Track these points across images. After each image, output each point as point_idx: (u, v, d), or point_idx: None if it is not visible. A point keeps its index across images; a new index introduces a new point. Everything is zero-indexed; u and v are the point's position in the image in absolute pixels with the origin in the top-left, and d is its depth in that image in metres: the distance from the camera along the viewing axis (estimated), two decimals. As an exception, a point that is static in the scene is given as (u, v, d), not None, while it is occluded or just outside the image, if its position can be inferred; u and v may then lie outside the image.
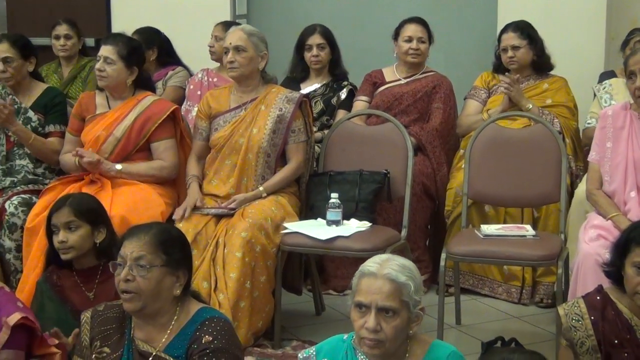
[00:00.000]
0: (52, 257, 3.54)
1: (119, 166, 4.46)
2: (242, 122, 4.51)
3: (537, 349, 2.36)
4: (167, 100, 4.85)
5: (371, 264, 2.63)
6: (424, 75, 5.36)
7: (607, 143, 4.14)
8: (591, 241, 3.91)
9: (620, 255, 2.97)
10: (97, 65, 4.54)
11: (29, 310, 3.03)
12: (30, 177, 4.72)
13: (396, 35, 5.36)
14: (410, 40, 5.27)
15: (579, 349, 2.99)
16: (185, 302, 2.85)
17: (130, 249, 2.74)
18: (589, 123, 4.97)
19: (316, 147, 4.88)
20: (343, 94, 5.42)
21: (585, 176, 4.44)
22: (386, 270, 2.58)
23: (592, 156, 4.21)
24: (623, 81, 4.46)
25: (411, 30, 5.30)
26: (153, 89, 4.92)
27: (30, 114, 4.74)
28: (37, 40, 5.29)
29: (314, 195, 4.62)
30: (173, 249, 2.80)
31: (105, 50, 4.52)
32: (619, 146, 4.10)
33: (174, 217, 4.37)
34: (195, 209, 4.39)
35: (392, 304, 2.54)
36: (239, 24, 5.45)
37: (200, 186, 4.54)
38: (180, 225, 4.19)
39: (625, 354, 2.94)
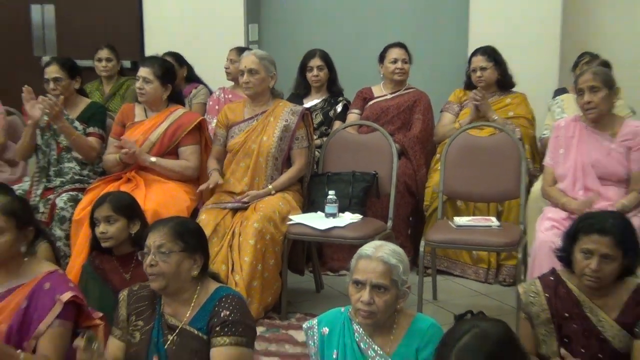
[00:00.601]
0: (95, 244, 3.57)
1: (153, 158, 4.50)
2: (254, 131, 4.53)
3: (501, 321, 2.38)
4: (195, 113, 4.87)
5: (367, 248, 2.67)
6: (406, 91, 5.38)
7: (560, 150, 4.17)
8: (546, 231, 3.94)
9: (570, 243, 2.99)
10: (137, 84, 4.57)
11: (78, 289, 3.04)
12: (76, 177, 4.73)
13: (381, 58, 5.38)
14: (395, 61, 5.29)
15: (535, 320, 3.01)
16: (205, 282, 2.86)
17: (152, 239, 2.77)
18: (544, 134, 5.01)
19: (316, 152, 4.89)
20: (339, 108, 5.43)
21: (541, 177, 4.45)
22: (380, 253, 2.62)
23: (547, 161, 4.24)
24: (573, 97, 4.45)
25: (395, 53, 5.32)
26: (183, 103, 4.95)
27: (76, 123, 4.74)
28: (82, 62, 5.29)
29: (315, 192, 4.64)
30: (189, 237, 2.82)
31: (144, 72, 4.55)
32: (569, 152, 4.13)
33: (199, 189, 4.41)
34: (215, 201, 4.40)
35: (384, 282, 2.58)
36: (251, 49, 5.47)
37: (222, 176, 4.54)
38: (203, 217, 4.24)
39: (574, 325, 2.96)
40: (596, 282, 2.92)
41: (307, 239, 4.46)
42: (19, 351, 2.85)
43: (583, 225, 2.97)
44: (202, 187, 4.42)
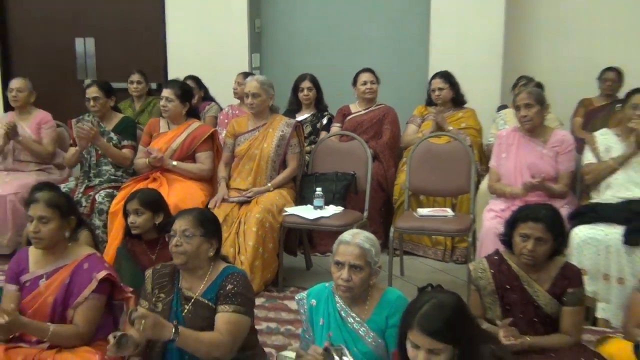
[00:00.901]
0: (127, 232, 3.57)
1: (174, 162, 4.50)
2: (256, 140, 4.52)
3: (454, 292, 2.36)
4: (208, 125, 4.85)
5: (346, 235, 2.66)
6: (376, 107, 5.35)
7: (502, 154, 4.19)
8: (491, 219, 3.96)
9: (510, 229, 3.00)
10: (162, 103, 4.58)
11: (112, 269, 3.02)
12: (112, 177, 4.71)
13: (354, 81, 5.37)
14: (365, 83, 5.28)
15: (482, 292, 3.02)
16: (216, 262, 2.85)
17: (179, 225, 2.77)
18: (489, 141, 5.01)
19: (307, 156, 4.86)
20: (324, 121, 5.40)
21: (487, 176, 4.45)
22: (356, 240, 2.61)
23: (492, 163, 4.26)
24: (512, 111, 4.48)
25: (365, 76, 5.31)
26: (198, 117, 4.95)
27: (112, 134, 4.73)
28: (117, 84, 5.26)
29: (305, 189, 4.62)
30: (208, 225, 2.82)
31: (167, 92, 4.56)
32: (510, 156, 4.15)
33: (209, 205, 4.36)
34: (223, 200, 4.39)
35: (359, 263, 2.57)
36: (254, 74, 5.46)
37: (228, 185, 4.52)
38: (214, 210, 4.20)
39: (514, 295, 2.97)
40: (532, 260, 2.92)
41: (299, 227, 4.43)
42: (48, 324, 2.84)
43: (521, 214, 2.98)
44: (212, 202, 4.40)
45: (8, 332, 2.77)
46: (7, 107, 5.39)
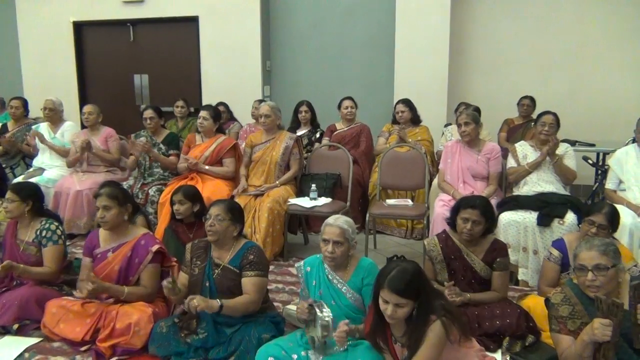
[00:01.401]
0: (172, 217, 3.54)
1: (206, 167, 4.44)
2: (267, 149, 4.46)
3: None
4: (232, 138, 4.80)
5: (330, 219, 2.65)
6: (355, 125, 5.29)
7: (448, 159, 4.17)
8: (440, 207, 3.93)
9: (454, 214, 2.99)
10: (199, 121, 4.53)
11: (162, 244, 3.01)
12: (161, 177, 4.65)
13: (339, 106, 5.33)
14: (347, 108, 5.24)
15: (434, 261, 3.01)
16: (239, 239, 2.84)
17: (213, 211, 2.76)
18: (439, 149, 4.99)
19: (305, 161, 4.83)
20: (317, 135, 5.35)
21: (437, 175, 4.43)
22: (337, 222, 2.61)
23: (441, 166, 4.24)
24: (455, 128, 4.46)
25: (346, 103, 5.27)
26: (224, 132, 4.88)
27: (161, 145, 4.68)
28: (165, 108, 5.20)
29: (304, 185, 4.57)
30: (234, 212, 2.81)
31: (204, 113, 4.53)
32: (454, 161, 4.13)
33: (233, 193, 4.34)
34: (243, 191, 4.35)
35: (340, 239, 2.57)
36: (266, 100, 5.43)
37: (246, 181, 4.48)
38: (238, 200, 4.16)
39: (457, 263, 2.97)
40: (469, 237, 2.92)
41: (299, 213, 4.39)
42: (123, 286, 2.83)
43: (462, 203, 2.99)
44: (235, 191, 4.38)
45: (93, 294, 2.76)
46: (83, 126, 5.36)
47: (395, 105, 5.28)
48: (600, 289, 2.21)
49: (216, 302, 2.55)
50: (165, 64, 6.84)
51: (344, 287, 2.62)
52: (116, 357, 2.69)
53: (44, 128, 5.11)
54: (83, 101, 6.77)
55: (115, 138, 5.02)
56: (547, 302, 2.38)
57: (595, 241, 2.29)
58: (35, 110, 5.69)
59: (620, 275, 2.22)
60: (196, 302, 2.50)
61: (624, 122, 4.77)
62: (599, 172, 4.99)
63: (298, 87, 6.62)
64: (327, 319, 2.37)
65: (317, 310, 2.41)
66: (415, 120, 5.23)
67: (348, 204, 4.46)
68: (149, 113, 4.69)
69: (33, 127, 5.20)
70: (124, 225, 2.97)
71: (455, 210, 2.98)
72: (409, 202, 4.41)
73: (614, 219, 2.90)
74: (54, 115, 5.10)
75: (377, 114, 6.09)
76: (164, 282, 2.62)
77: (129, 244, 2.92)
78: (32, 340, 2.86)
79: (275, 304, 3.17)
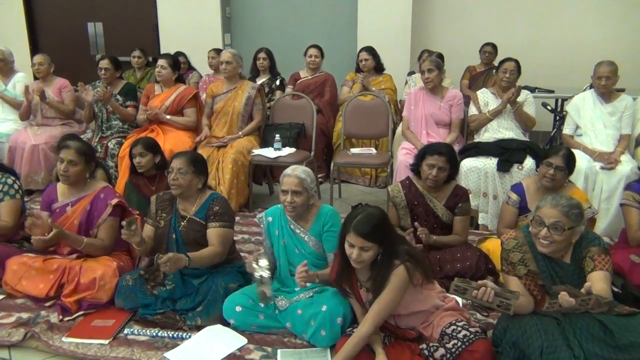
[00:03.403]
0: (132, 170, 3.45)
1: (168, 116, 4.33)
2: (229, 99, 4.36)
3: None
4: (192, 88, 4.66)
5: (288, 170, 2.65)
6: (320, 73, 5.22)
7: (411, 107, 4.16)
8: (403, 155, 3.96)
9: (419, 160, 3.01)
10: (157, 70, 4.38)
11: (122, 197, 2.95)
12: (120, 129, 4.53)
13: (305, 54, 5.22)
14: (311, 56, 5.14)
15: (397, 207, 3.06)
16: (204, 190, 2.80)
17: (175, 164, 2.71)
18: (403, 98, 4.98)
19: (267, 111, 4.76)
20: (277, 82, 5.24)
21: (401, 123, 4.44)
22: (295, 172, 2.60)
23: (404, 113, 4.22)
24: (419, 76, 4.43)
25: (312, 51, 5.16)
26: (184, 81, 4.74)
27: (118, 96, 4.51)
28: (122, 58, 4.98)
29: (267, 135, 4.50)
30: (198, 164, 2.76)
31: (161, 62, 4.37)
32: (417, 108, 4.12)
33: (196, 140, 4.31)
34: (207, 142, 4.28)
35: (298, 189, 2.56)
36: (226, 49, 5.26)
37: (210, 130, 4.41)
38: (201, 151, 4.09)
39: (420, 208, 3.02)
40: (434, 183, 2.96)
41: (263, 164, 4.36)
42: (82, 236, 2.78)
43: (429, 149, 3.00)
44: (197, 139, 4.31)
45: (51, 242, 2.69)
46: (35, 78, 5.12)
47: (359, 53, 5.20)
48: (550, 246, 2.17)
49: (183, 257, 2.51)
50: (120, 11, 6.56)
51: (306, 235, 2.63)
52: (82, 311, 2.66)
53: (-7, 80, 4.87)
54: (34, 51, 6.47)
55: (69, 89, 4.82)
56: (502, 243, 2.44)
57: (562, 200, 2.19)
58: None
59: (574, 237, 2.22)
60: (167, 263, 2.42)
61: (583, 69, 4.82)
62: (557, 118, 5.09)
63: (259, 35, 6.44)
64: (258, 274, 2.42)
65: (254, 264, 2.45)
66: (378, 68, 5.18)
67: (312, 153, 4.44)
68: (104, 63, 4.49)
69: (-19, 79, 4.94)
70: (83, 180, 2.90)
71: (421, 157, 3.00)
72: (373, 150, 4.43)
73: (570, 161, 2.92)
74: (5, 66, 4.86)
75: (341, 62, 6.00)
76: (123, 222, 2.55)
77: (88, 198, 2.85)
78: (-7, 298, 2.81)
79: (242, 254, 3.17)
